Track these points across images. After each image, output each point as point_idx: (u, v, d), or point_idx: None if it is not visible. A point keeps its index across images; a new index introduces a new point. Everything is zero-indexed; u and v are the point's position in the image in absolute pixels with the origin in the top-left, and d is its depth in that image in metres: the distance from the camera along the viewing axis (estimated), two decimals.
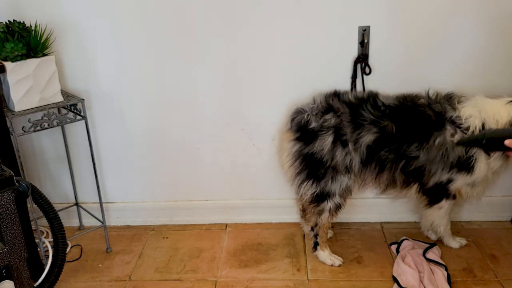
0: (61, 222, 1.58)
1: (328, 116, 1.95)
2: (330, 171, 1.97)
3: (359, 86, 2.16)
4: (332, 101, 1.99)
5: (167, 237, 2.41)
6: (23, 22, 2.00)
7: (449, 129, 1.89)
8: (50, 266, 1.59)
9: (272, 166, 2.35)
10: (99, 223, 2.36)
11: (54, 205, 1.57)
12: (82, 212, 2.50)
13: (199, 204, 2.48)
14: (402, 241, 2.23)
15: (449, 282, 1.97)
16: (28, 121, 1.94)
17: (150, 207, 2.50)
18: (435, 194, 2.04)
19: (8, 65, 1.91)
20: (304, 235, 2.35)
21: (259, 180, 2.40)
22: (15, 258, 1.31)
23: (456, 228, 2.31)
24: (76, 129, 2.35)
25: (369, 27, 2.09)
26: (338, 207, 2.05)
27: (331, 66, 2.16)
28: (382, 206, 2.40)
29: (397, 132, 1.92)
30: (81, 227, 2.53)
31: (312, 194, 2.02)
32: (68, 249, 2.33)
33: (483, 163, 1.90)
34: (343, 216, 2.31)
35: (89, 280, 2.13)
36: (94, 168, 2.22)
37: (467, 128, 1.86)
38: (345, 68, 2.15)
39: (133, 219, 2.53)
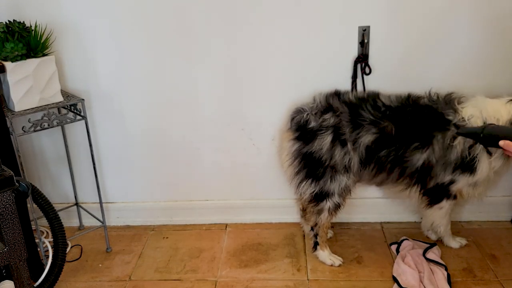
0: (61, 222, 1.58)
1: (327, 116, 1.95)
2: (329, 170, 1.97)
3: (359, 86, 2.16)
4: (332, 101, 1.99)
5: (167, 237, 2.41)
6: (23, 22, 2.00)
7: (450, 130, 1.89)
8: (50, 266, 1.59)
9: (272, 166, 2.35)
10: (99, 223, 2.36)
11: (54, 205, 1.57)
12: (82, 212, 2.50)
13: (199, 204, 2.48)
14: (402, 241, 2.23)
15: (449, 282, 1.97)
16: (28, 121, 1.94)
17: (150, 207, 2.50)
18: (436, 194, 2.04)
19: (8, 65, 1.91)
20: (304, 235, 2.35)
21: (259, 180, 2.40)
22: (15, 258, 1.31)
23: (456, 228, 2.31)
24: (76, 129, 2.35)
25: (369, 27, 2.09)
26: (337, 207, 2.05)
27: (331, 66, 2.16)
28: (382, 206, 2.40)
29: (397, 133, 1.92)
30: (81, 227, 2.53)
31: (311, 193, 2.02)
32: (68, 249, 2.33)
33: (485, 163, 1.90)
34: (343, 216, 2.31)
35: (89, 280, 2.13)
36: (94, 168, 2.22)
37: None
38: (345, 68, 2.15)
39: (133, 219, 2.53)
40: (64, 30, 2.18)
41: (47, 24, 2.13)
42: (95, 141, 2.36)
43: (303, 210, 2.27)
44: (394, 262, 2.11)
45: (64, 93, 2.16)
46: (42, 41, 1.99)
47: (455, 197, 2.04)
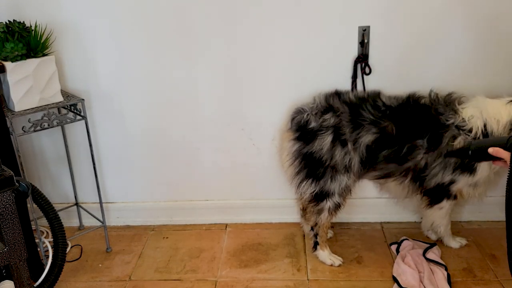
0: (61, 222, 1.58)
1: (327, 116, 1.95)
2: (329, 170, 1.97)
3: (359, 86, 2.16)
4: (332, 101, 1.99)
5: (167, 237, 2.41)
6: (23, 22, 2.00)
7: (451, 130, 1.89)
8: (50, 266, 1.58)
9: (272, 166, 2.35)
10: (99, 223, 2.36)
11: (54, 205, 1.57)
12: (82, 212, 2.50)
13: (199, 204, 2.48)
14: (402, 241, 2.23)
15: (449, 282, 1.97)
16: (28, 121, 1.94)
17: (150, 207, 2.50)
18: (436, 194, 2.04)
19: (8, 65, 1.91)
20: (304, 235, 2.35)
21: (259, 180, 2.40)
22: (15, 258, 1.31)
23: (456, 228, 2.31)
24: (76, 129, 2.35)
25: (369, 27, 2.09)
26: (337, 207, 2.05)
27: (331, 66, 2.16)
28: (382, 206, 2.39)
29: (397, 133, 1.92)
30: (81, 227, 2.53)
31: (311, 193, 2.02)
32: (68, 249, 2.33)
33: (486, 164, 1.90)
34: (343, 216, 2.31)
35: (89, 280, 2.13)
36: (94, 168, 2.22)
37: (470, 130, 1.86)
38: (345, 68, 2.15)
39: (133, 219, 2.53)
40: (64, 30, 2.18)
41: (47, 24, 2.13)
42: (95, 141, 2.36)
43: (303, 210, 2.27)
44: (394, 262, 2.11)
45: (64, 93, 2.16)
46: (42, 41, 1.99)
47: (455, 197, 2.04)
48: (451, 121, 1.89)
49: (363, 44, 2.10)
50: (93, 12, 2.14)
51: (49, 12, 2.14)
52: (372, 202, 2.39)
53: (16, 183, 1.27)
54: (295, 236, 2.36)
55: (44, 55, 2.00)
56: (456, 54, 2.11)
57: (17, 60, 1.92)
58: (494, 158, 1.18)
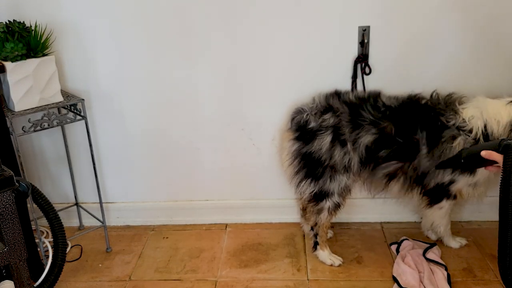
0: (61, 222, 1.58)
1: (327, 116, 1.95)
2: (329, 170, 1.97)
3: (359, 86, 2.16)
4: (332, 101, 1.99)
5: (167, 237, 2.41)
6: (23, 22, 2.00)
7: (451, 130, 1.88)
8: (50, 266, 1.58)
9: (272, 166, 2.35)
10: (99, 223, 2.36)
11: (54, 205, 1.57)
12: (82, 212, 2.50)
13: (199, 204, 2.48)
14: (402, 241, 2.23)
15: (449, 282, 1.97)
16: (28, 121, 1.94)
17: (150, 207, 2.50)
18: (436, 194, 2.04)
19: (8, 65, 1.91)
20: (304, 235, 2.35)
21: (259, 180, 2.40)
22: (15, 258, 1.31)
23: (456, 228, 2.31)
24: (76, 129, 2.35)
25: (369, 27, 2.09)
26: (337, 206, 2.05)
27: (331, 66, 2.16)
28: (382, 206, 2.39)
29: (397, 133, 1.92)
30: (81, 227, 2.53)
31: (310, 193, 2.03)
32: (68, 249, 2.33)
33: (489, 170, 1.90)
34: (343, 216, 2.31)
35: (89, 280, 2.13)
36: (94, 168, 2.22)
37: (470, 130, 1.86)
38: (345, 68, 2.15)
39: (133, 219, 2.53)
40: (64, 30, 2.18)
41: (47, 24, 2.13)
42: (95, 141, 2.36)
43: (303, 210, 2.28)
44: (394, 262, 2.11)
45: (64, 93, 2.16)
46: (42, 41, 1.99)
47: (455, 197, 2.04)
48: (452, 122, 1.88)
49: (363, 44, 2.10)
50: (93, 12, 2.14)
51: (49, 12, 2.14)
52: (372, 202, 2.39)
53: (16, 183, 1.27)
54: (295, 236, 2.36)
55: (44, 55, 2.00)
56: (456, 54, 2.11)
57: (17, 60, 1.92)
58: (487, 163, 1.17)
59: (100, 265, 2.23)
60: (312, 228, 2.17)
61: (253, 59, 2.18)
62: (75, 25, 2.17)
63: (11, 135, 1.90)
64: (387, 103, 1.96)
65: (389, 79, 2.15)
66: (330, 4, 2.06)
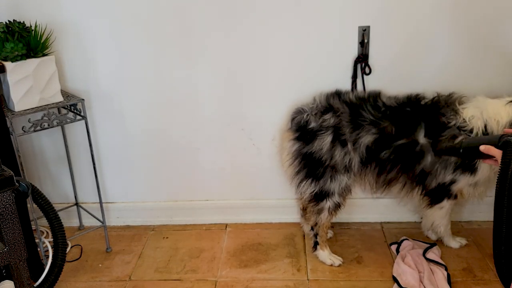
0: (61, 222, 1.58)
1: (327, 116, 1.95)
2: (329, 170, 1.97)
3: (359, 86, 2.16)
4: (333, 101, 1.99)
5: (167, 237, 2.41)
6: (23, 22, 2.00)
7: (452, 130, 1.88)
8: (50, 266, 1.58)
9: (272, 166, 2.35)
10: (99, 223, 2.36)
11: (54, 205, 1.57)
12: (82, 212, 2.50)
13: (199, 204, 2.48)
14: (402, 241, 2.23)
15: (449, 282, 1.97)
16: (28, 121, 1.94)
17: (150, 207, 2.50)
18: (437, 194, 2.04)
19: (8, 65, 1.91)
20: (304, 235, 2.35)
21: (259, 180, 2.40)
22: (15, 258, 1.31)
23: (456, 228, 2.31)
24: (76, 129, 2.35)
25: (369, 27, 2.09)
26: (337, 206, 2.05)
27: (331, 66, 2.16)
28: (382, 206, 2.39)
29: (398, 133, 1.92)
30: (81, 227, 2.53)
31: (311, 193, 2.03)
32: (68, 249, 2.33)
33: (486, 164, 1.90)
34: (343, 216, 2.31)
35: (89, 280, 2.13)
36: (94, 168, 2.22)
37: (471, 130, 1.86)
38: (345, 68, 2.15)
39: (133, 219, 2.53)
40: (64, 30, 2.18)
41: (47, 24, 2.13)
42: (95, 141, 2.36)
43: (304, 210, 2.28)
44: (394, 262, 2.11)
45: (64, 93, 2.16)
46: (42, 41, 1.99)
47: (455, 196, 2.04)
48: (453, 122, 1.88)
49: (363, 44, 2.10)
50: (93, 12, 2.14)
51: (49, 12, 2.14)
52: (372, 202, 2.39)
53: (16, 183, 1.27)
54: (295, 236, 2.36)
55: (44, 55, 2.00)
56: (456, 53, 2.11)
57: (17, 60, 1.92)
58: (485, 156, 1.18)
59: (100, 265, 2.23)
60: (312, 228, 2.17)
61: (253, 59, 2.18)
62: (75, 25, 2.17)
63: (11, 135, 1.90)
64: (387, 103, 1.96)
65: (389, 79, 2.15)
66: (330, 4, 2.06)
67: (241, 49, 2.16)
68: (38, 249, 2.08)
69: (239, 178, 2.41)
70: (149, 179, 2.45)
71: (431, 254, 2.12)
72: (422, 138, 1.91)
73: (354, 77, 2.15)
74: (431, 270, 2.03)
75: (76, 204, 2.50)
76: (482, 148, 1.16)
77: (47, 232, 2.41)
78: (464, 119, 1.88)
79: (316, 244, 2.17)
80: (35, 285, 1.58)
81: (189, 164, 2.40)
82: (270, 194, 2.43)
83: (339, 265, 2.12)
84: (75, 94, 2.22)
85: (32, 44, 1.96)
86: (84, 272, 2.18)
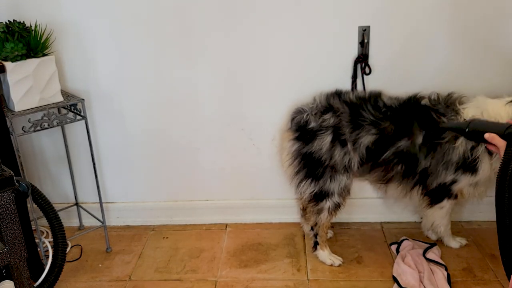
0: (61, 222, 1.58)
1: (327, 116, 1.95)
2: (329, 170, 1.97)
3: (359, 86, 2.16)
4: (333, 101, 1.99)
5: (167, 237, 2.41)
6: (23, 22, 2.00)
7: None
8: (50, 266, 1.58)
9: (272, 166, 2.35)
10: (99, 223, 2.36)
11: (54, 205, 1.57)
12: (82, 212, 2.50)
13: (199, 204, 2.48)
14: (402, 241, 2.23)
15: (449, 282, 1.97)
16: (28, 121, 1.94)
17: (150, 207, 2.50)
18: (437, 194, 2.04)
19: (8, 65, 1.91)
20: (304, 235, 2.35)
21: (259, 180, 2.40)
22: (15, 258, 1.31)
23: (456, 228, 2.31)
24: (76, 129, 2.35)
25: (369, 27, 2.09)
26: (337, 206, 2.05)
27: (331, 66, 2.16)
28: (382, 206, 2.40)
29: (398, 133, 1.92)
30: (81, 227, 2.53)
31: (311, 193, 2.02)
32: (68, 249, 2.33)
33: (487, 164, 1.90)
34: (343, 216, 2.31)
35: (89, 280, 2.13)
36: (94, 168, 2.22)
37: None
38: (345, 68, 2.15)
39: (133, 219, 2.53)
40: (64, 30, 2.18)
41: (47, 24, 2.13)
42: (95, 141, 2.36)
43: (303, 210, 2.28)
44: (394, 262, 2.11)
45: (64, 93, 2.16)
46: (42, 41, 1.99)
47: (456, 196, 2.05)
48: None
49: (363, 44, 2.10)
50: (93, 12, 2.14)
51: (49, 12, 2.14)
52: (372, 202, 2.39)
53: (16, 183, 1.27)
54: (295, 236, 2.36)
55: (44, 55, 2.00)
56: (456, 53, 2.11)
57: (17, 60, 1.92)
58: (488, 142, 1.19)
59: (100, 265, 2.23)
60: (312, 228, 2.17)
61: (253, 59, 2.18)
62: (75, 25, 2.17)
63: (11, 135, 1.90)
64: (388, 104, 1.96)
65: (389, 79, 2.15)
66: (330, 4, 2.06)
67: (241, 49, 2.16)
68: (38, 249, 2.08)
69: (239, 178, 2.41)
70: (149, 179, 2.45)
71: (431, 254, 2.12)
72: (422, 139, 1.91)
73: (354, 77, 2.15)
74: (431, 270, 2.03)
75: (76, 204, 2.50)
76: (487, 136, 1.16)
77: (47, 232, 2.41)
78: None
79: (316, 244, 2.17)
80: (35, 285, 1.58)
81: (189, 164, 2.40)
82: (270, 194, 2.43)
83: (339, 265, 2.12)
84: (75, 94, 2.22)
85: (32, 44, 1.96)
86: (84, 272, 2.18)
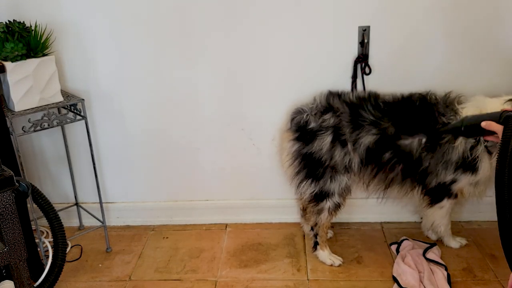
0: (61, 222, 1.58)
1: (327, 116, 1.95)
2: (329, 170, 1.97)
3: (359, 86, 2.16)
4: (333, 101, 1.99)
5: (167, 237, 2.41)
6: (23, 22, 2.00)
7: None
8: (50, 266, 1.58)
9: (272, 166, 2.35)
10: (99, 223, 2.36)
11: (54, 205, 1.57)
12: (82, 212, 2.50)
13: (199, 204, 2.48)
14: (402, 241, 2.23)
15: (449, 282, 1.97)
16: (28, 121, 1.94)
17: (150, 207, 2.50)
18: (437, 193, 2.04)
19: (8, 65, 1.91)
20: (304, 235, 2.35)
21: (259, 180, 2.40)
22: (15, 258, 1.31)
23: (456, 228, 2.31)
24: (76, 129, 2.35)
25: (369, 27, 2.09)
26: (337, 207, 2.05)
27: (331, 66, 2.16)
28: (382, 206, 2.39)
29: (398, 133, 1.92)
30: (81, 227, 2.53)
31: (311, 193, 2.03)
32: (68, 249, 2.33)
33: (487, 163, 1.91)
34: (343, 216, 2.31)
35: (89, 280, 2.13)
36: (94, 168, 2.22)
37: None
38: (345, 68, 2.15)
39: (133, 219, 2.53)
40: (64, 30, 2.18)
41: (47, 24, 2.13)
42: (95, 141, 2.36)
43: (303, 210, 2.28)
44: (394, 262, 2.11)
45: (64, 93, 2.16)
46: (42, 41, 1.99)
47: (456, 196, 2.05)
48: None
49: (363, 44, 2.10)
50: (93, 12, 2.14)
51: (49, 12, 2.14)
52: (372, 202, 2.38)
53: (16, 183, 1.27)
54: (295, 236, 2.36)
55: (44, 55, 2.00)
56: (455, 53, 2.11)
57: (17, 60, 1.92)
58: (486, 133, 1.19)
59: (100, 265, 2.23)
60: (312, 228, 2.17)
61: (253, 59, 2.18)
62: (75, 25, 2.17)
63: (11, 135, 1.90)
64: (387, 104, 1.96)
65: (389, 79, 2.15)
66: (330, 4, 2.06)
67: (241, 49, 2.16)
68: (38, 249, 2.08)
69: (239, 178, 2.41)
70: (149, 179, 2.45)
71: (431, 254, 2.12)
72: (423, 138, 1.91)
73: (354, 77, 2.15)
74: (431, 270, 2.03)
75: (76, 204, 2.50)
76: (484, 124, 1.17)
77: (47, 232, 2.41)
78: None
79: (316, 244, 2.17)
80: (35, 285, 1.58)
81: (189, 164, 2.40)
82: (270, 194, 2.43)
83: (339, 265, 2.12)
84: (75, 94, 2.22)
85: (32, 44, 1.96)
86: (84, 272, 2.18)
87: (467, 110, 1.89)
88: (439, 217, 2.12)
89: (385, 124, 1.92)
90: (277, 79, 2.20)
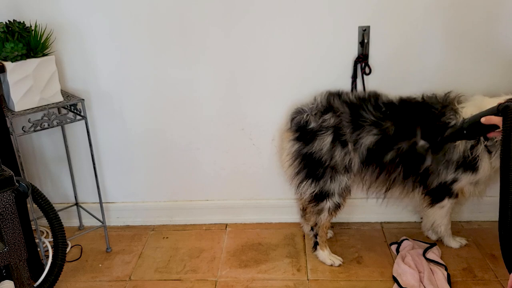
0: (61, 222, 1.58)
1: (327, 116, 1.95)
2: (329, 170, 1.97)
3: (359, 86, 2.16)
4: (333, 101, 1.99)
5: (167, 237, 2.41)
6: (23, 22, 2.00)
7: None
8: (50, 266, 1.58)
9: (272, 166, 2.35)
10: (99, 223, 2.36)
11: (54, 205, 1.57)
12: (82, 212, 2.50)
13: (199, 204, 2.48)
14: (402, 241, 2.23)
15: (449, 282, 1.97)
16: (28, 121, 1.94)
17: (150, 207, 2.50)
18: (438, 193, 2.04)
19: (8, 65, 1.91)
20: (304, 235, 2.35)
21: (259, 180, 2.40)
22: (15, 258, 1.31)
23: (456, 228, 2.31)
24: (76, 129, 2.35)
25: (369, 27, 2.09)
26: (337, 207, 2.05)
27: (331, 66, 2.16)
28: (382, 206, 2.39)
29: (398, 134, 1.92)
30: (81, 227, 2.53)
31: (311, 193, 2.02)
32: (68, 249, 2.34)
33: (487, 162, 1.91)
34: (343, 216, 2.31)
35: (89, 280, 2.13)
36: (94, 168, 2.22)
37: None
38: (345, 68, 2.15)
39: (133, 219, 2.53)
40: (64, 30, 2.18)
41: (47, 24, 2.13)
42: (95, 141, 2.36)
43: (303, 210, 2.28)
44: (394, 262, 2.11)
45: (64, 93, 2.16)
46: (42, 41, 1.99)
47: (456, 195, 2.05)
48: (453, 122, 1.89)
49: (363, 44, 2.10)
50: (93, 12, 2.14)
51: (49, 12, 2.14)
52: (372, 202, 2.39)
53: (16, 183, 1.27)
54: (295, 236, 2.36)
55: (44, 55, 2.00)
56: (455, 53, 2.11)
57: (17, 60, 1.92)
58: (488, 129, 1.19)
59: (100, 265, 2.23)
60: (312, 228, 2.17)
61: (253, 59, 2.18)
62: (75, 25, 2.17)
63: (11, 135, 1.90)
64: (388, 104, 1.96)
65: (389, 79, 2.15)
66: (330, 4, 2.06)
67: (241, 49, 2.16)
68: (38, 249, 2.08)
69: (239, 178, 2.41)
70: (149, 179, 2.45)
71: (431, 254, 2.12)
72: (422, 138, 1.91)
73: (354, 77, 2.15)
74: (431, 270, 2.03)
75: (76, 204, 2.50)
76: (483, 119, 1.18)
77: (47, 232, 2.41)
78: (464, 118, 1.88)
79: (316, 244, 2.17)
80: (35, 285, 1.58)
81: (189, 164, 2.40)
82: (270, 194, 2.43)
83: (339, 265, 2.12)
84: (75, 94, 2.22)
85: (32, 44, 1.96)
86: (84, 272, 2.18)
87: (467, 110, 1.89)
88: (439, 217, 2.12)
89: (385, 124, 1.92)
90: (277, 79, 2.21)
